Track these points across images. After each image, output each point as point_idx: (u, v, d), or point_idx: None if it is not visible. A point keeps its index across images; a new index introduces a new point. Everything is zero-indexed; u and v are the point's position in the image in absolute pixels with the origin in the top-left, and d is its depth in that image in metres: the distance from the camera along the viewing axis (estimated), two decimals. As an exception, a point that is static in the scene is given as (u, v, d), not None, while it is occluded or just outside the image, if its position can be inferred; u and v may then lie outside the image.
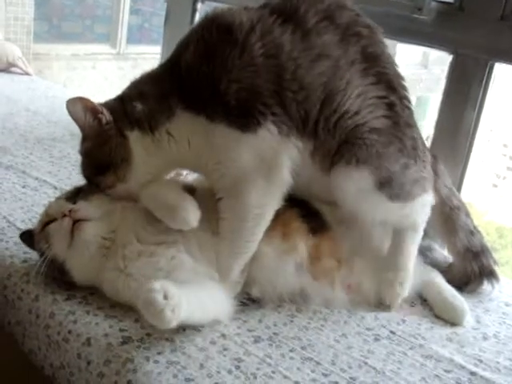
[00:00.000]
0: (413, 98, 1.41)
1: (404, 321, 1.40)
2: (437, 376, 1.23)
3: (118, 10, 5.72)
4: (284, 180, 1.30)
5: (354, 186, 1.32)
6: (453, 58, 1.90)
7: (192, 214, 1.26)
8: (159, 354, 1.16)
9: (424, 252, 1.53)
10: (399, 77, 1.38)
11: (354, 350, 1.28)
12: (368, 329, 1.35)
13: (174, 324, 1.09)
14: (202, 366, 1.15)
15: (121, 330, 1.21)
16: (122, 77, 5.64)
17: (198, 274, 1.26)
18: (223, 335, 1.24)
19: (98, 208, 1.30)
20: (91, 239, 1.26)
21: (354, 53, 1.31)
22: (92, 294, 1.31)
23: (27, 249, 1.41)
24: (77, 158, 1.42)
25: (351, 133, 1.31)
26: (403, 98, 1.37)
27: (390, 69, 1.36)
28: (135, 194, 1.31)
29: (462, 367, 1.27)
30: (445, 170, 1.58)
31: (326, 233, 1.40)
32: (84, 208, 1.29)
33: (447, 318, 1.43)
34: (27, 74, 3.41)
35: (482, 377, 1.25)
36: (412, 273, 1.44)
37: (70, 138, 2.32)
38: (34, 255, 1.38)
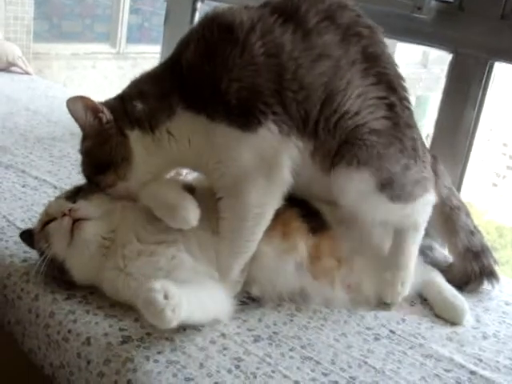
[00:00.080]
0: (412, 98, 1.41)
1: (404, 320, 1.40)
2: (437, 375, 1.23)
3: (117, 9, 5.72)
4: (284, 179, 1.30)
5: (354, 187, 1.32)
6: (453, 57, 1.90)
7: (192, 213, 1.26)
8: (159, 353, 1.16)
9: (424, 251, 1.53)
10: (399, 77, 1.38)
11: (354, 349, 1.28)
12: (368, 328, 1.35)
13: (174, 324, 1.09)
14: (201, 366, 1.15)
15: (121, 330, 1.21)
16: (121, 76, 5.64)
17: (197, 273, 1.26)
18: (223, 334, 1.24)
19: (97, 207, 1.30)
20: (91, 238, 1.26)
21: (354, 53, 1.31)
22: (92, 294, 1.31)
23: (27, 248, 1.41)
24: (77, 158, 1.42)
25: (351, 133, 1.31)
26: (403, 99, 1.37)
27: (390, 69, 1.36)
28: (135, 194, 1.31)
29: (462, 366, 1.27)
30: (444, 170, 1.58)
31: (326, 232, 1.40)
32: (84, 207, 1.29)
33: (447, 317, 1.43)
34: (27, 73, 3.41)
35: (481, 376, 1.25)
36: (413, 272, 1.44)
37: (69, 138, 2.32)
38: (33, 254, 1.38)
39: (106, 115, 1.29)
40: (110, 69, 5.86)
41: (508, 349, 1.36)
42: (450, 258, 1.60)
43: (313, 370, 1.19)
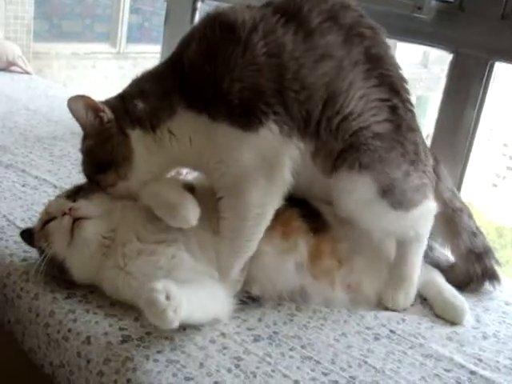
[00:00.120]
0: (413, 98, 1.40)
1: (404, 320, 1.40)
2: (437, 375, 1.23)
3: (117, 9, 5.72)
4: (285, 180, 1.30)
5: (356, 192, 1.31)
6: (453, 57, 1.90)
7: (192, 213, 1.25)
8: (159, 352, 1.16)
9: (425, 251, 1.53)
10: (402, 79, 1.37)
11: (354, 349, 1.27)
12: (368, 328, 1.35)
13: (175, 324, 1.09)
14: (201, 365, 1.15)
15: (120, 329, 1.21)
16: (122, 76, 5.64)
17: (197, 272, 1.26)
18: (223, 334, 1.24)
19: (98, 206, 1.30)
20: (91, 237, 1.26)
21: (357, 54, 1.30)
22: (92, 293, 1.31)
23: (27, 247, 1.41)
24: (77, 157, 1.43)
25: (354, 136, 1.30)
26: (406, 101, 1.36)
27: (393, 71, 1.35)
28: (136, 193, 1.31)
29: (462, 366, 1.27)
30: (447, 173, 1.57)
31: (326, 232, 1.40)
32: (84, 206, 1.29)
33: (447, 317, 1.43)
34: (27, 72, 3.41)
35: (481, 376, 1.25)
36: (416, 283, 1.44)
37: (70, 137, 2.32)
38: (33, 254, 1.38)
39: (107, 114, 1.29)
40: (110, 68, 5.86)
41: (508, 349, 1.36)
42: (452, 258, 1.60)
43: (313, 370, 1.19)
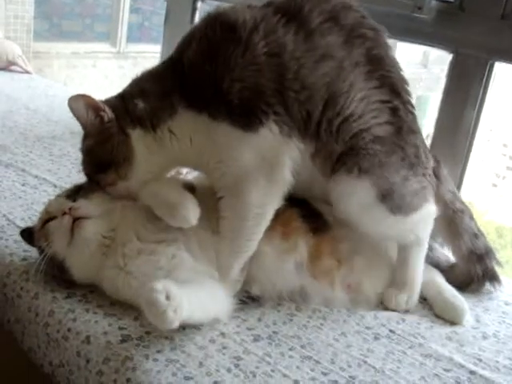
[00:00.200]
0: (413, 98, 1.40)
1: (404, 320, 1.40)
2: (436, 375, 1.23)
3: (118, 8, 5.72)
4: (285, 180, 1.29)
5: (354, 196, 1.31)
6: (453, 57, 1.90)
7: (192, 212, 1.25)
8: (158, 352, 1.16)
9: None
10: (403, 81, 1.36)
11: (354, 348, 1.27)
12: (367, 328, 1.35)
13: (176, 325, 1.09)
14: (201, 365, 1.15)
15: (120, 328, 1.21)
16: (122, 75, 5.64)
17: (197, 272, 1.26)
18: (222, 334, 1.24)
19: (98, 206, 1.30)
20: (91, 237, 1.26)
21: (358, 55, 1.30)
22: (92, 292, 1.31)
23: (27, 247, 1.41)
24: (76, 156, 1.43)
25: (354, 138, 1.30)
26: (407, 103, 1.36)
27: (394, 72, 1.34)
28: (136, 192, 1.31)
29: (462, 366, 1.27)
30: (448, 174, 1.57)
31: (326, 232, 1.40)
32: (84, 206, 1.29)
33: (447, 317, 1.43)
34: (27, 72, 3.41)
35: (481, 376, 1.25)
36: (419, 287, 1.44)
37: (69, 137, 2.32)
38: (33, 253, 1.38)
39: (108, 114, 1.29)
40: (111, 68, 5.86)
41: (508, 349, 1.36)
42: (452, 259, 1.60)
43: (312, 370, 1.19)
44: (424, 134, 1.46)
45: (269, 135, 1.26)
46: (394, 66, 1.35)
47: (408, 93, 1.37)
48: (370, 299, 1.42)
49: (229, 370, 1.14)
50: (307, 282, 1.36)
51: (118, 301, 1.28)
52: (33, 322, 1.29)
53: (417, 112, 1.38)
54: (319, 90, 1.27)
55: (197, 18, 2.69)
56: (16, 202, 1.71)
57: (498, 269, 1.57)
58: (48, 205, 1.36)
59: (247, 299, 1.33)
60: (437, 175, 1.48)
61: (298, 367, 1.19)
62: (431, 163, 1.44)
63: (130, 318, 1.24)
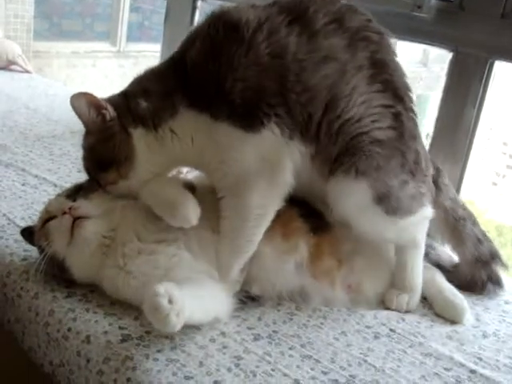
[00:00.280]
0: (413, 98, 1.39)
1: (404, 319, 1.40)
2: (436, 374, 1.23)
3: (117, 7, 5.72)
4: (286, 181, 1.29)
5: (351, 197, 1.30)
6: (453, 56, 1.90)
7: (192, 212, 1.25)
8: (159, 351, 1.16)
9: (426, 250, 1.53)
10: (406, 87, 1.35)
11: (354, 347, 1.28)
12: (367, 327, 1.35)
13: (178, 328, 1.09)
14: (201, 364, 1.15)
15: (120, 328, 1.21)
16: (122, 75, 5.65)
17: (197, 272, 1.26)
18: (223, 333, 1.24)
19: (98, 206, 1.30)
20: (91, 237, 1.26)
21: (361, 58, 1.28)
22: (92, 292, 1.31)
23: (27, 246, 1.41)
24: (77, 156, 1.43)
25: (353, 141, 1.29)
26: (409, 109, 1.34)
27: (397, 78, 1.33)
28: (136, 192, 1.31)
29: (462, 365, 1.27)
30: (449, 182, 1.57)
31: (326, 232, 1.40)
32: (84, 206, 1.29)
33: (447, 316, 1.43)
34: (27, 71, 3.41)
35: (481, 375, 1.25)
36: (420, 289, 1.45)
37: (69, 136, 2.32)
38: (33, 253, 1.38)
39: (110, 112, 1.29)
40: (111, 67, 5.86)
41: (508, 348, 1.36)
42: (455, 258, 1.59)
43: (312, 369, 1.19)
44: (424, 133, 1.46)
45: (270, 137, 1.25)
46: (397, 71, 1.34)
47: (411, 99, 1.35)
48: (370, 299, 1.42)
49: (229, 370, 1.14)
50: (307, 282, 1.36)
51: (118, 300, 1.28)
52: (33, 322, 1.29)
53: (417, 111, 1.38)
54: (320, 93, 1.26)
55: (197, 17, 2.70)
56: (16, 201, 1.71)
57: (503, 271, 1.57)
58: (48, 204, 1.35)
59: (247, 299, 1.33)
60: (437, 184, 1.48)
61: (298, 366, 1.19)
62: (431, 171, 1.43)
63: (131, 318, 1.24)
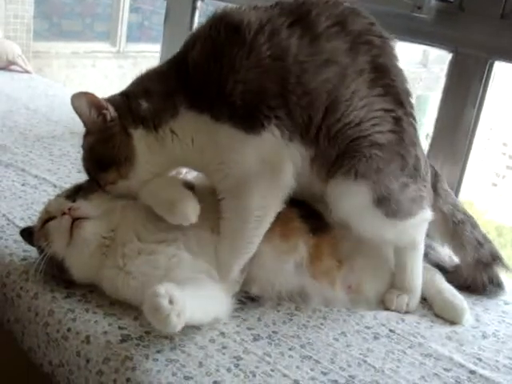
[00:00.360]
0: (413, 98, 1.39)
1: (403, 319, 1.40)
2: (436, 374, 1.23)
3: (117, 8, 5.71)
4: (286, 183, 1.29)
5: (350, 200, 1.30)
6: (453, 57, 1.90)
7: (191, 209, 1.25)
8: (158, 352, 1.16)
9: (425, 251, 1.53)
10: (407, 93, 1.34)
11: (353, 348, 1.28)
12: (367, 327, 1.35)
13: (178, 328, 1.09)
14: (201, 364, 1.15)
15: (120, 328, 1.21)
16: (121, 75, 5.64)
17: (197, 272, 1.26)
18: (222, 333, 1.24)
19: (97, 206, 1.30)
20: (91, 237, 1.26)
21: (363, 62, 1.28)
22: (91, 292, 1.31)
23: (26, 246, 1.41)
24: (76, 156, 1.43)
25: (352, 144, 1.29)
26: (410, 115, 1.34)
27: (399, 83, 1.33)
28: (135, 192, 1.31)
29: (462, 366, 1.27)
30: (447, 188, 1.57)
31: (326, 233, 1.40)
32: (84, 206, 1.29)
33: (447, 316, 1.43)
34: (27, 72, 3.41)
35: (481, 375, 1.25)
36: (420, 290, 1.45)
37: (69, 137, 2.32)
38: (33, 253, 1.38)
39: (111, 112, 1.29)
40: (110, 67, 5.86)
41: (507, 348, 1.36)
42: (455, 259, 1.59)
43: (312, 369, 1.19)
44: (424, 133, 1.45)
45: (271, 139, 1.25)
46: (399, 77, 1.33)
47: (411, 105, 1.35)
48: (370, 300, 1.42)
49: (229, 370, 1.15)
50: (307, 282, 1.36)
51: (117, 300, 1.28)
52: (32, 322, 1.29)
53: (416, 112, 1.38)
54: (321, 96, 1.26)
55: (197, 18, 2.69)
56: (16, 201, 1.71)
57: (504, 273, 1.56)
58: (48, 205, 1.36)
59: (247, 299, 1.33)
60: (435, 189, 1.48)
61: (297, 367, 1.19)
62: (429, 177, 1.43)
63: (130, 318, 1.24)
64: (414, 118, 1.36)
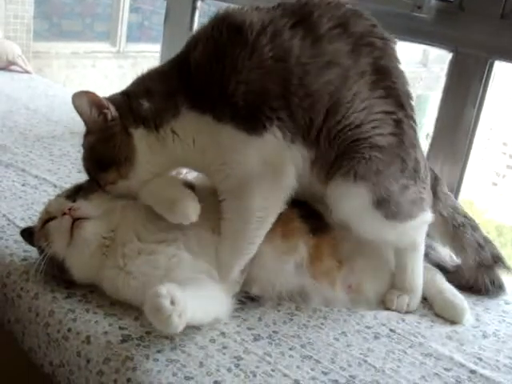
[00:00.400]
0: (413, 99, 1.39)
1: (404, 319, 1.40)
2: (436, 374, 1.23)
3: (117, 8, 5.71)
4: (288, 184, 1.29)
5: (350, 201, 1.30)
6: (453, 56, 1.90)
7: (192, 208, 1.25)
8: (159, 352, 1.16)
9: (426, 251, 1.53)
10: (408, 95, 1.34)
11: (354, 348, 1.28)
12: (368, 327, 1.35)
13: (180, 329, 1.09)
14: (201, 364, 1.15)
15: (120, 328, 1.21)
16: (121, 75, 5.63)
17: (197, 272, 1.26)
18: (223, 333, 1.24)
19: (97, 207, 1.30)
20: (91, 237, 1.26)
21: (364, 64, 1.28)
22: (92, 292, 1.31)
23: (27, 247, 1.41)
24: (76, 156, 1.43)
25: (351, 146, 1.28)
26: (410, 118, 1.34)
27: (400, 85, 1.32)
28: (135, 192, 1.31)
29: (462, 365, 1.27)
30: (447, 191, 1.57)
31: (326, 233, 1.40)
32: (84, 206, 1.29)
33: (447, 316, 1.43)
34: (27, 72, 3.41)
35: (481, 375, 1.25)
36: (420, 290, 1.45)
37: (69, 137, 2.32)
38: (33, 253, 1.38)
39: (111, 112, 1.28)
40: (110, 68, 5.85)
41: (508, 348, 1.36)
42: (456, 259, 1.59)
43: (312, 369, 1.19)
44: (424, 133, 1.45)
45: (272, 140, 1.25)
46: (400, 79, 1.33)
47: (412, 108, 1.35)
48: (370, 300, 1.42)
49: (229, 370, 1.15)
50: (307, 282, 1.36)
51: (118, 301, 1.28)
52: (33, 322, 1.29)
53: (417, 111, 1.38)
54: (323, 98, 1.25)
55: (197, 18, 2.69)
56: (16, 201, 1.71)
57: (505, 272, 1.56)
58: (48, 205, 1.36)
59: (247, 299, 1.33)
60: (435, 192, 1.48)
61: (298, 367, 1.19)
62: (429, 179, 1.43)
63: (131, 318, 1.24)
64: (415, 121, 1.36)
